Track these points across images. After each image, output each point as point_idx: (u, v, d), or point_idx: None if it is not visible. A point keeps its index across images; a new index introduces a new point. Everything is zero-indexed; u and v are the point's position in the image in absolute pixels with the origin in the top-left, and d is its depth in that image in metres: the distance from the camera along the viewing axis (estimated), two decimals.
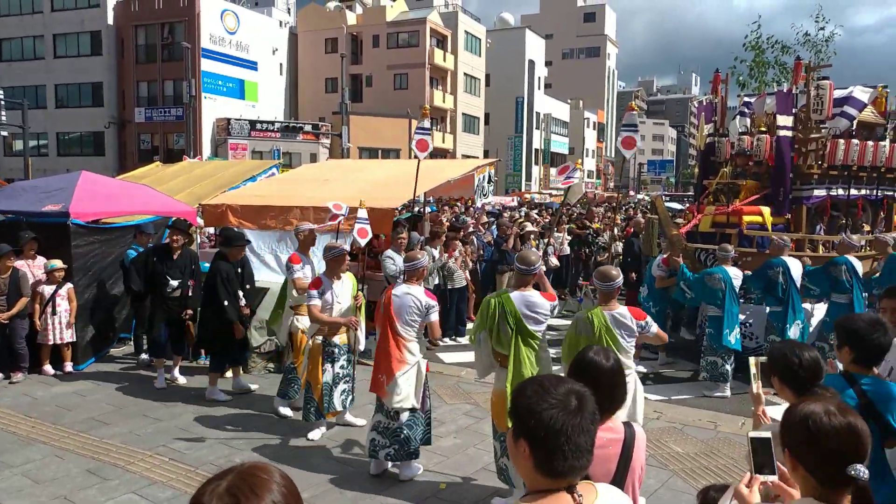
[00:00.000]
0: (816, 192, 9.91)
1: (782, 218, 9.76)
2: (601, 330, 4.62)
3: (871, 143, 10.20)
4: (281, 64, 45.64)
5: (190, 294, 7.76)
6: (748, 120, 11.45)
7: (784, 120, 9.52)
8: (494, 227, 13.68)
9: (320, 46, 46.92)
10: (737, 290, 7.83)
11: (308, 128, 41.00)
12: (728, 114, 12.07)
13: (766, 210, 9.57)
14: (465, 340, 10.60)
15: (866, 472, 1.79)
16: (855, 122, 10.39)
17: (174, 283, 7.66)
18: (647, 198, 51.39)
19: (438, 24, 47.71)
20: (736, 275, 7.85)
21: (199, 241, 11.17)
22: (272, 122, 40.71)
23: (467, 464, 5.65)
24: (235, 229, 8.50)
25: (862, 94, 10.61)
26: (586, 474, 1.71)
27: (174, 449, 5.86)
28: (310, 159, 36.18)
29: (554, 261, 9.77)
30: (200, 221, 10.34)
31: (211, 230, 12.29)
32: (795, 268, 7.89)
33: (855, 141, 10.05)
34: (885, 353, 3.15)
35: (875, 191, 10.71)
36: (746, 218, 9.43)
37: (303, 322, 6.62)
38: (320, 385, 5.92)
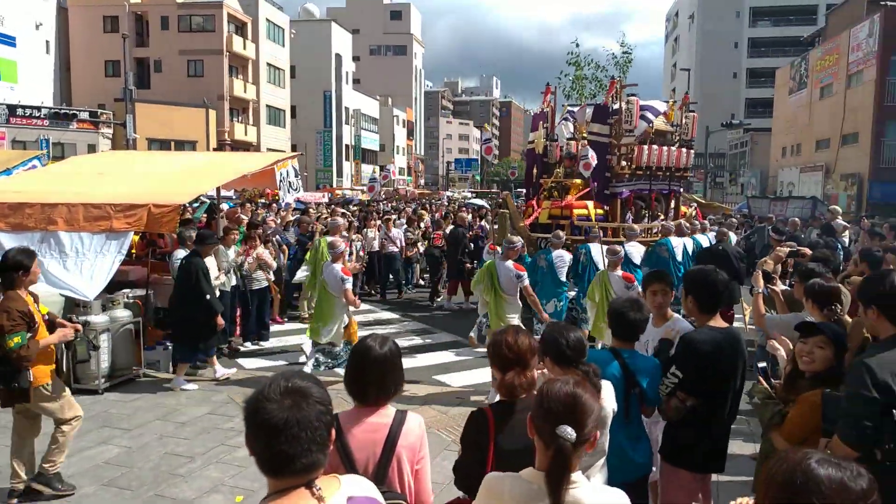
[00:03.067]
0: (626, 188, 11.56)
1: (602, 210, 11.35)
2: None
3: (664, 147, 12.03)
4: (47, 41, 39.71)
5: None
6: (572, 126, 12.95)
7: (600, 128, 11.39)
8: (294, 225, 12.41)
9: (97, 24, 41.89)
10: (562, 270, 8.99)
11: (85, 115, 36.00)
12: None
13: (591, 204, 11.24)
14: (268, 345, 10.08)
15: (572, 433, 1.98)
16: (653, 131, 12.07)
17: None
18: (456, 194, 52.19)
19: (237, 10, 44.75)
20: (559, 255, 8.98)
21: None
22: (38, 108, 34.96)
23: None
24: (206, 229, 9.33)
25: (659, 104, 12.58)
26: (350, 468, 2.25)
27: None
28: (87, 151, 31.81)
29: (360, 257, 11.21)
30: None
31: None
32: (596, 252, 9.00)
33: (654, 146, 11.79)
34: (641, 330, 3.62)
35: (668, 186, 12.57)
36: (576, 211, 11.07)
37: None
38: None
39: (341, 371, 7.65)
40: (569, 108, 13.69)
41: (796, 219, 14.48)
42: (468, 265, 12.87)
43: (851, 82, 34.48)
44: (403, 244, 14.38)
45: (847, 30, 34.91)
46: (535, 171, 12.91)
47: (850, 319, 4.26)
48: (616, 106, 11.46)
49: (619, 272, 8.00)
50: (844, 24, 36.13)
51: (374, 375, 2.57)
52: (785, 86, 44.74)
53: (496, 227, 11.01)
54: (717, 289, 3.71)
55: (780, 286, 5.64)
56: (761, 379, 3.53)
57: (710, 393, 3.54)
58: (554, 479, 2.00)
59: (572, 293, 9.46)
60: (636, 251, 9.72)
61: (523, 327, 3.62)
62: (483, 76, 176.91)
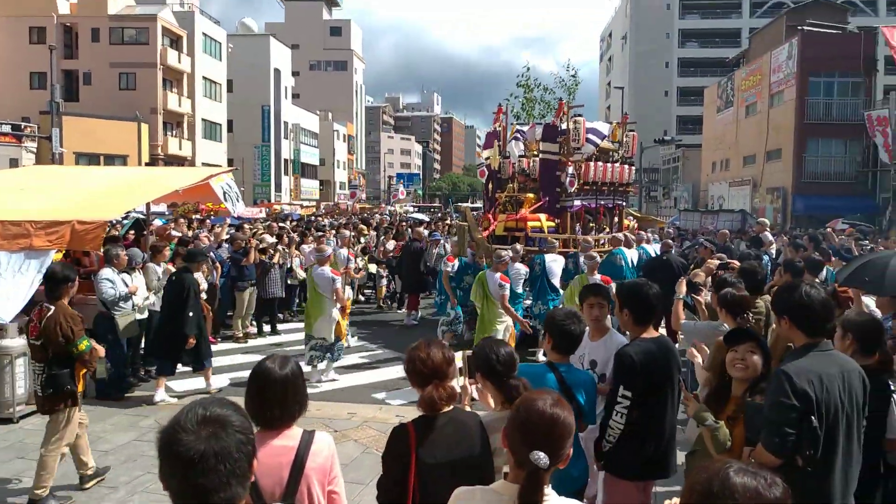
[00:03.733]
0: (576, 202, 12.00)
1: (554, 222, 11.87)
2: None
3: (609, 164, 12.73)
4: None
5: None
6: (522, 145, 13.58)
7: (550, 147, 11.99)
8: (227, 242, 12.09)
9: (22, 35, 40.40)
10: (518, 282, 9.48)
11: (6, 128, 34.46)
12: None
13: (543, 217, 11.75)
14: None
15: (546, 461, 1.97)
16: (598, 149, 12.69)
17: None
18: (398, 208, 52.13)
19: (172, 24, 43.79)
20: (516, 269, 9.49)
21: None
22: None
23: None
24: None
25: (603, 126, 13.15)
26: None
27: None
28: (9, 165, 30.45)
29: (301, 273, 11.72)
30: None
31: None
32: (550, 261, 10.01)
33: (600, 163, 12.49)
34: (578, 342, 3.61)
35: (612, 200, 13.17)
36: (530, 224, 11.58)
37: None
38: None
39: (333, 366, 9.08)
40: (518, 127, 14.28)
41: (725, 231, 15.00)
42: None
43: (774, 101, 36.04)
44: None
45: (768, 52, 36.54)
46: (490, 186, 13.63)
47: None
48: (564, 126, 12.07)
49: (598, 276, 8.73)
50: (766, 46, 37.82)
51: (277, 397, 2.51)
52: (713, 104, 46.43)
53: (455, 239, 11.65)
54: (650, 301, 3.78)
55: (706, 297, 5.79)
56: (686, 393, 3.58)
57: (649, 403, 3.60)
58: (526, 499, 2.01)
59: (528, 301, 10.07)
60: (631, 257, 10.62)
61: (503, 335, 3.71)
62: (424, 92, 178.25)
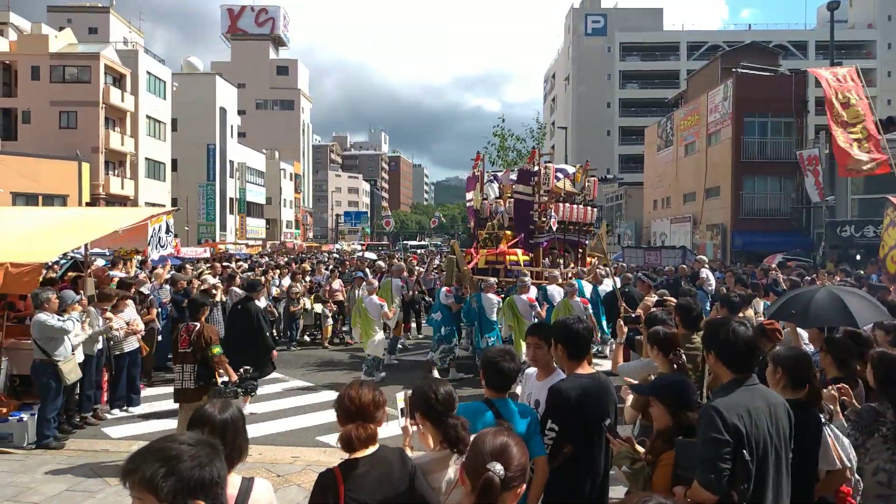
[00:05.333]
0: (545, 239, 13.40)
1: (528, 256, 13.17)
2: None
3: (574, 206, 14.30)
4: None
5: None
6: (497, 188, 15.05)
7: (524, 189, 13.36)
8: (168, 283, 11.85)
9: None
10: (491, 311, 11.01)
11: None
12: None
13: (520, 252, 13.03)
14: (137, 410, 9.43)
15: (501, 469, 2.07)
16: (563, 192, 14.18)
17: None
18: (346, 247, 51.85)
19: (115, 62, 43.18)
20: (488, 299, 11.05)
21: None
22: None
23: None
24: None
25: (570, 168, 15.32)
26: None
27: None
28: None
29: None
30: None
31: None
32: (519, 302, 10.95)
33: (567, 204, 13.99)
34: (512, 380, 3.61)
35: (577, 237, 14.88)
36: (509, 257, 12.84)
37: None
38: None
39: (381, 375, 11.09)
40: (492, 172, 15.94)
41: (672, 267, 15.54)
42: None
43: (711, 141, 37.39)
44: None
45: (705, 93, 38.01)
46: (472, 224, 15.19)
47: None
48: (535, 169, 13.47)
49: (578, 299, 10.65)
50: (703, 87, 39.34)
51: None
52: (654, 143, 47.91)
53: (444, 272, 13.20)
54: (582, 337, 3.88)
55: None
56: (611, 439, 3.61)
57: (584, 438, 3.64)
58: None
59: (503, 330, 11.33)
60: (556, 292, 11.59)
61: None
62: (372, 131, 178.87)
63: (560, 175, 13.98)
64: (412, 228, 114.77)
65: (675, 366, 4.29)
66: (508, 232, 13.62)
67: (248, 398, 8.50)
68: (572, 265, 14.19)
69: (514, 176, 14.35)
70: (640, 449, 3.52)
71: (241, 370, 7.38)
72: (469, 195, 15.33)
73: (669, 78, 66.05)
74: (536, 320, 9.60)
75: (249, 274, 13.86)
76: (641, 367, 4.72)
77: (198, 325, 7.27)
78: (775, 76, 35.73)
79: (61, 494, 6.17)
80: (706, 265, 15.35)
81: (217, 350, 7.16)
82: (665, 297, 7.74)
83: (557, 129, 65.55)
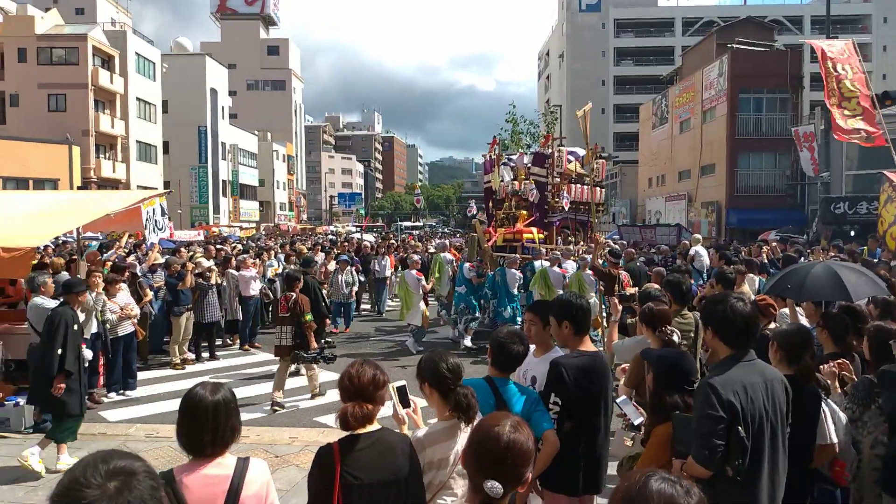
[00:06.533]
0: (558, 218, 14.53)
1: (542, 234, 14.23)
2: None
3: (584, 187, 15.12)
4: None
5: None
6: (511, 171, 15.78)
7: (539, 171, 14.36)
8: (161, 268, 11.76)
9: None
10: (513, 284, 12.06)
11: None
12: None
13: (535, 230, 14.09)
14: (134, 394, 9.46)
15: (500, 490, 1.96)
16: (574, 173, 15.16)
17: None
18: (341, 228, 51.81)
19: (103, 43, 42.69)
20: (511, 273, 12.08)
21: None
22: None
23: None
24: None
25: (580, 150, 15.77)
26: None
27: None
28: None
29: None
30: None
31: None
32: (537, 265, 12.31)
33: (578, 185, 14.98)
34: (519, 362, 3.64)
35: (587, 217, 15.35)
36: (525, 235, 13.88)
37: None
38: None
39: (414, 348, 11.89)
40: (506, 156, 16.69)
41: (666, 246, 15.70)
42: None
43: (706, 118, 37.31)
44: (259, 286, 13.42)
45: (700, 70, 37.86)
46: (490, 204, 15.98)
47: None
48: (549, 152, 14.43)
49: (589, 272, 11.06)
50: (698, 64, 39.17)
51: (208, 424, 2.47)
52: (648, 121, 47.79)
53: (466, 248, 14.30)
54: (585, 312, 3.89)
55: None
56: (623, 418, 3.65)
57: (584, 415, 3.65)
58: None
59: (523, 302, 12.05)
60: (569, 266, 12.42)
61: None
62: (365, 111, 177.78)
63: (571, 157, 14.89)
64: (406, 209, 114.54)
65: (663, 341, 4.31)
66: (524, 212, 14.58)
67: (311, 372, 9.15)
68: (582, 243, 14.99)
69: (527, 159, 15.24)
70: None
71: (323, 341, 9.31)
72: (486, 177, 16.12)
73: (664, 54, 65.74)
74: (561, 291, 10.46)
75: (245, 256, 13.73)
76: (635, 345, 4.74)
77: (294, 294, 8.81)
78: (771, 52, 35.57)
79: (61, 476, 6.15)
80: (700, 243, 15.37)
81: (308, 317, 8.69)
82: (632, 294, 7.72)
83: (552, 107, 65.26)
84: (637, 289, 7.62)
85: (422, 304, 12.20)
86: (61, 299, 7.03)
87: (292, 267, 14.96)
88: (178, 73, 52.81)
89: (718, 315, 3.14)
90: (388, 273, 17.05)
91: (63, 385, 6.39)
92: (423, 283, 12.46)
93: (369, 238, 30.22)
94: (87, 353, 7.51)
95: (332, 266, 15.14)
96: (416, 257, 14.11)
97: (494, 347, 3.61)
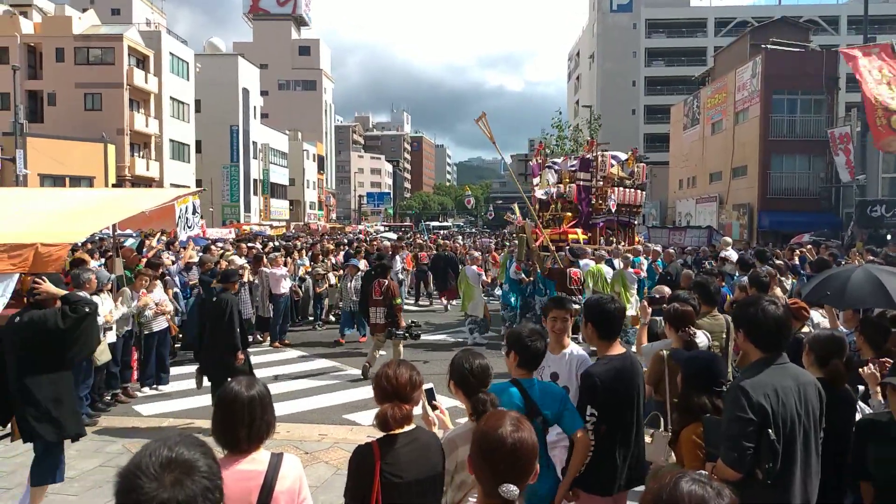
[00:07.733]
0: (602, 220, 15.16)
1: (587, 235, 14.91)
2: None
3: (626, 189, 15.65)
4: None
5: None
6: (555, 174, 16.24)
7: (584, 175, 15.12)
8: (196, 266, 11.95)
9: None
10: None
11: None
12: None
13: (579, 231, 14.87)
14: (167, 389, 9.61)
15: (515, 492, 1.96)
16: (616, 177, 15.66)
17: None
18: (370, 228, 52.06)
19: (138, 43, 43.46)
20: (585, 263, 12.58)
21: None
22: None
23: None
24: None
25: (622, 155, 16.61)
26: None
27: None
28: None
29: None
30: None
31: None
32: (584, 264, 12.65)
33: (620, 188, 15.42)
34: (541, 358, 3.64)
35: (627, 218, 16.26)
36: (570, 236, 14.51)
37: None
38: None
39: (481, 340, 12.84)
40: (550, 161, 17.32)
41: (670, 250, 16.11)
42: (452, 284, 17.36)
43: (739, 119, 36.77)
44: (290, 284, 13.71)
45: (733, 70, 37.32)
46: (537, 206, 16.19)
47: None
48: (593, 157, 15.12)
49: (631, 270, 12.21)
50: (731, 64, 38.62)
51: (244, 420, 2.49)
52: (679, 122, 47.23)
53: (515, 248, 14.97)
54: (614, 317, 3.83)
55: None
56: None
57: (619, 418, 3.65)
58: None
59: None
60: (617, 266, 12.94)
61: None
62: (394, 111, 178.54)
63: (614, 161, 15.58)
64: (434, 209, 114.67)
65: (685, 342, 4.31)
66: (569, 214, 15.25)
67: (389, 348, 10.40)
68: (623, 243, 15.58)
69: (571, 164, 15.94)
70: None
71: (411, 321, 10.70)
72: (535, 180, 17.09)
73: (696, 55, 64.90)
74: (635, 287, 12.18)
75: (276, 255, 13.87)
76: (663, 348, 4.72)
77: (386, 281, 10.27)
78: (806, 52, 34.93)
79: (96, 470, 6.32)
80: (730, 246, 15.21)
81: (398, 301, 10.25)
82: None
83: (582, 108, 64.81)
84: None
85: (480, 297, 13.16)
86: (220, 286, 8.05)
87: (318, 266, 15.28)
88: (211, 73, 53.53)
89: (750, 317, 3.12)
90: (398, 267, 17.58)
91: (243, 356, 7.53)
92: (483, 277, 13.68)
93: (389, 236, 30.29)
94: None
95: (361, 265, 15.20)
96: (476, 254, 15.50)
97: (519, 348, 3.57)
